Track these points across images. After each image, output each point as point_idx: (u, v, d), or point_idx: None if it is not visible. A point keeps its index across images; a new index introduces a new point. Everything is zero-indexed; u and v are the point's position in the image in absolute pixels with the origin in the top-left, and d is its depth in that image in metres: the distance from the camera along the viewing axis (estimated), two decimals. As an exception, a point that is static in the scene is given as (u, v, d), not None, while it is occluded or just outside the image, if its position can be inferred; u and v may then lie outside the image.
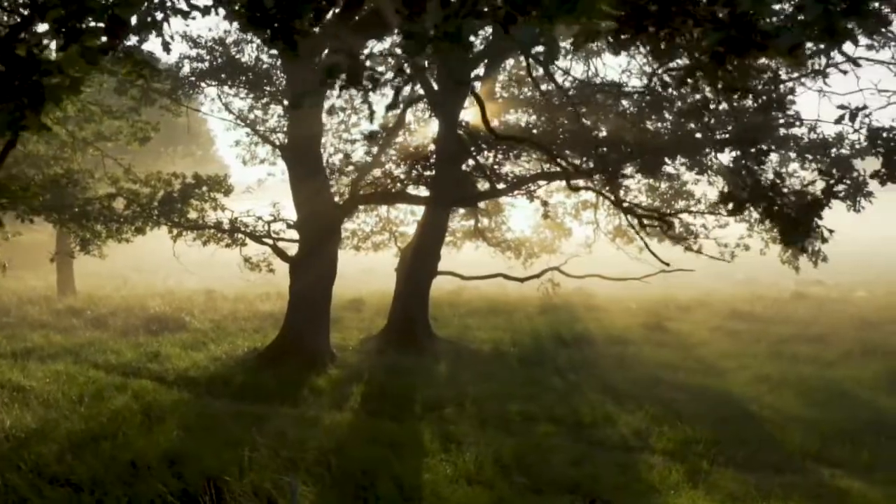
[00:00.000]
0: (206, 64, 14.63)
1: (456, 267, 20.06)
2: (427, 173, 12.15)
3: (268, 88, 14.19)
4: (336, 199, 14.04)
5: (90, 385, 10.91)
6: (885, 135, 5.39)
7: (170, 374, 12.35)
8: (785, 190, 3.93)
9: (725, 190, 4.62)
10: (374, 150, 13.04)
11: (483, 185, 12.86)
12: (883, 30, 12.91)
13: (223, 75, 14.33)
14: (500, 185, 11.97)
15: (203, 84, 15.09)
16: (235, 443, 7.79)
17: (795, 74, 14.70)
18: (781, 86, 16.60)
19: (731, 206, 4.09)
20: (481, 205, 21.14)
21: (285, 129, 14.61)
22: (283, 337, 13.37)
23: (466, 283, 21.61)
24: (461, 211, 21.48)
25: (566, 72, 16.27)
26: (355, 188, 12.95)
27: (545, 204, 12.31)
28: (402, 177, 12.59)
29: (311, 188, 12.80)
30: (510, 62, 19.24)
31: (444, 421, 9.71)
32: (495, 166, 12.50)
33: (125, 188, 14.94)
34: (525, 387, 11.66)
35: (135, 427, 8.83)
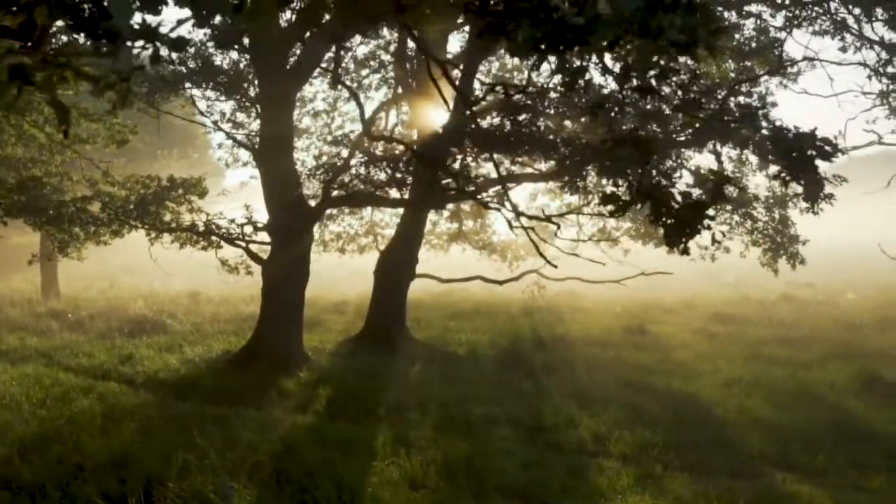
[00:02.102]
0: (184, 67, 14.62)
1: (445, 269, 20.01)
2: (398, 175, 12.12)
3: (242, 91, 14.18)
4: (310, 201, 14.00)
5: (56, 388, 10.90)
6: (789, 135, 5.32)
7: (140, 376, 12.34)
8: (673, 191, 3.89)
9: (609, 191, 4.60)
10: (345, 152, 13.02)
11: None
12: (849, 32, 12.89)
13: (198, 78, 14.32)
14: (469, 188, 11.93)
15: (181, 87, 15.09)
16: (186, 445, 7.74)
17: (764, 73, 14.66)
18: (760, 86, 16.56)
19: (611, 206, 4.04)
20: (465, 207, 21.18)
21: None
22: (256, 339, 13.35)
23: (454, 286, 21.64)
24: (446, 213, 21.50)
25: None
26: (327, 190, 12.92)
27: (518, 213, 12.26)
28: (375, 179, 12.55)
29: (283, 190, 12.79)
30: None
31: (405, 423, 9.68)
32: (470, 168, 12.49)
33: (103, 191, 14.96)
34: (493, 389, 11.61)
35: (94, 430, 8.82)
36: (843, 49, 13.10)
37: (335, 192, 13.20)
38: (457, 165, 11.42)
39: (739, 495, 7.15)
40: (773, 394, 11.29)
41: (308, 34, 10.63)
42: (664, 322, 19.06)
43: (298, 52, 12.72)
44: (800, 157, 4.62)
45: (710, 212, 4.13)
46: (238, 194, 21.14)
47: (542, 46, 2.51)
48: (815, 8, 13.62)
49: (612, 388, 11.72)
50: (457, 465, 7.75)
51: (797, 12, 14.33)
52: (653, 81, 4.40)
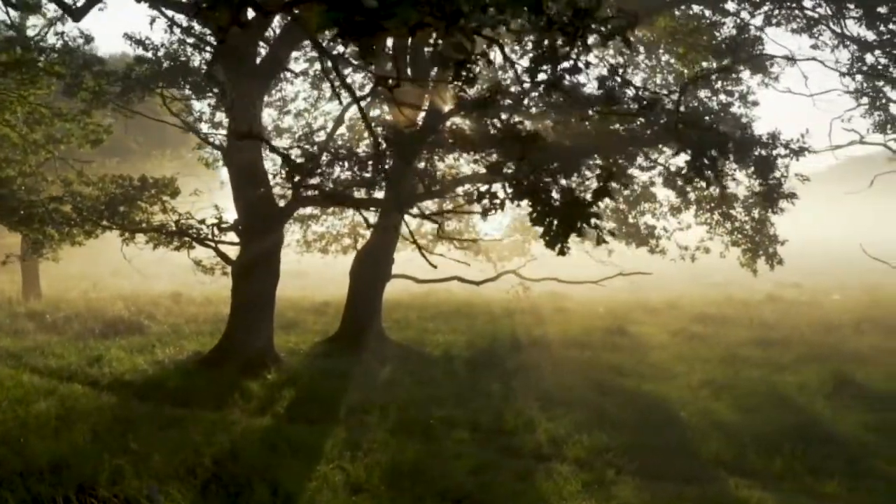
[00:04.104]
0: (156, 66, 14.57)
1: (429, 269, 19.80)
2: (366, 175, 12.00)
3: (213, 90, 14.10)
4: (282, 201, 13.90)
5: (17, 389, 10.77)
6: (691, 131, 5.13)
7: (106, 378, 12.23)
8: (555, 189, 3.73)
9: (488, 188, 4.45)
10: (314, 150, 12.90)
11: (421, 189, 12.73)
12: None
13: (170, 78, 14.26)
14: (436, 188, 11.85)
15: (154, 87, 15.03)
16: (128, 449, 7.64)
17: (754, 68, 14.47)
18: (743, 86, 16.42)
19: (486, 204, 3.91)
20: (448, 207, 21.05)
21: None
22: (225, 341, 13.26)
23: (438, 287, 21.54)
24: (429, 213, 21.37)
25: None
26: (297, 190, 12.80)
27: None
28: (343, 178, 12.44)
29: (251, 190, 12.68)
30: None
31: (362, 426, 9.57)
32: (436, 167, 12.39)
33: (75, 191, 14.88)
34: (460, 391, 11.48)
35: (46, 432, 8.72)
36: (816, 46, 12.97)
37: (306, 192, 13.08)
38: (422, 165, 11.31)
39: (687, 501, 7.03)
40: (743, 396, 11.14)
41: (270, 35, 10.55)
42: (646, 323, 18.90)
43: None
44: (700, 152, 4.45)
45: (596, 209, 3.98)
46: (219, 193, 21.09)
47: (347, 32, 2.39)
48: (792, 4, 13.46)
49: (581, 391, 11.58)
50: (404, 468, 7.63)
51: (775, 10, 14.18)
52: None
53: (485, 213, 4.30)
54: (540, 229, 3.99)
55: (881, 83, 12.71)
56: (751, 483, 7.73)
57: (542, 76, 3.96)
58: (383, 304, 17.49)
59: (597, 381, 12.28)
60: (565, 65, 4.15)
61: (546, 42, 3.44)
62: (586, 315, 20.26)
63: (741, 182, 12.43)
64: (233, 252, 13.89)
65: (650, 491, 7.33)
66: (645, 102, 4.58)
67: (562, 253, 4.08)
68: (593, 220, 3.97)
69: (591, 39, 3.26)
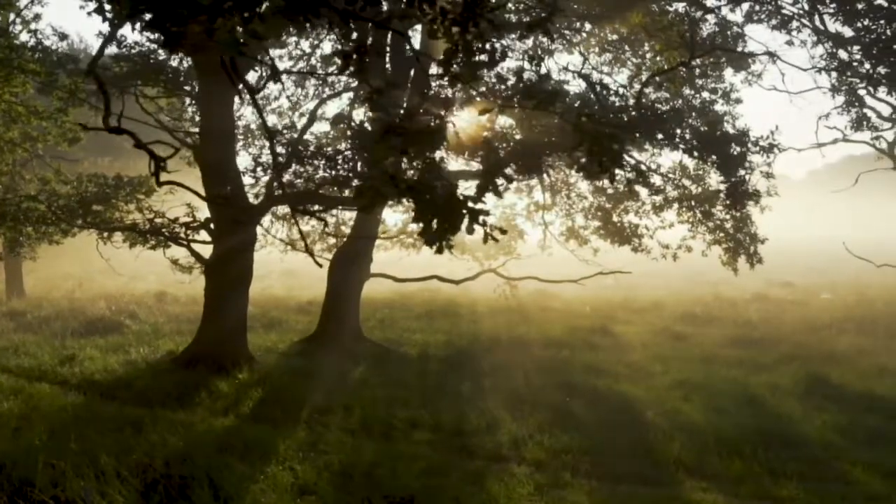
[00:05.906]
0: (129, 65, 14.51)
1: (419, 268, 19.71)
2: (339, 172, 11.90)
3: (186, 89, 14.03)
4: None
5: (-18, 389, 10.74)
6: (588, 124, 4.92)
7: (76, 377, 12.17)
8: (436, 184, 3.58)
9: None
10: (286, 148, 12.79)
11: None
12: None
13: (144, 77, 14.19)
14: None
15: (130, 85, 14.96)
16: (76, 450, 7.55)
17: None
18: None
19: (364, 201, 3.79)
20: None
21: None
22: (198, 340, 13.18)
23: (426, 286, 21.45)
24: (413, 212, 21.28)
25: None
26: (270, 189, 12.72)
27: (364, 208, 12.01)
28: (316, 176, 12.34)
29: (222, 188, 12.58)
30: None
31: (323, 426, 9.47)
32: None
33: (54, 190, 14.82)
34: (428, 391, 11.38)
35: (7, 432, 8.67)
36: (790, 42, 12.78)
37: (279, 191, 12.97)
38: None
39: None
40: (714, 397, 11.01)
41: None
42: (630, 322, 18.78)
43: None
44: (599, 146, 4.34)
45: (483, 206, 3.86)
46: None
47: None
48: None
49: (551, 391, 11.45)
50: (356, 469, 7.53)
51: (756, 7, 14.02)
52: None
53: (364, 210, 4.18)
54: (420, 226, 3.84)
55: (857, 80, 12.50)
56: (708, 486, 7.61)
57: (454, 68, 3.85)
58: (366, 304, 17.44)
59: (570, 381, 12.14)
60: (479, 58, 4.03)
61: (441, 33, 3.34)
62: (571, 314, 20.15)
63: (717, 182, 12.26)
64: (208, 251, 13.82)
65: (603, 493, 7.22)
66: (548, 93, 4.41)
67: (440, 251, 3.97)
68: (481, 218, 3.86)
69: (508, 33, 3.14)
